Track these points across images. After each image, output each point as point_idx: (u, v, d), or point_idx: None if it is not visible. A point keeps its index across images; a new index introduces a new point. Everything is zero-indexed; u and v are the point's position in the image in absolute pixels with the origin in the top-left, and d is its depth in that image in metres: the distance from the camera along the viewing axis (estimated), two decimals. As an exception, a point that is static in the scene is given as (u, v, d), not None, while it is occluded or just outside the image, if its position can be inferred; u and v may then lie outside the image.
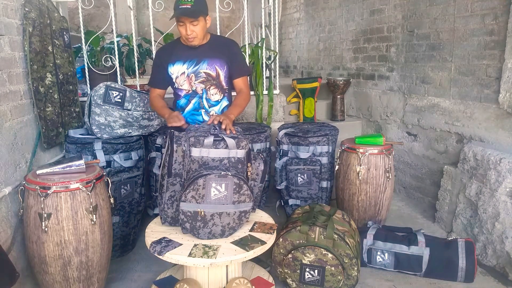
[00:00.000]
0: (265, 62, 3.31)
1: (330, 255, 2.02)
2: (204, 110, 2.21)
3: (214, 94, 2.21)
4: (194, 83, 2.18)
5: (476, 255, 2.26)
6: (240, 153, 1.79)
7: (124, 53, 3.25)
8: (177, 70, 2.17)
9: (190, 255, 1.66)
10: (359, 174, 2.56)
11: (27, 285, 2.03)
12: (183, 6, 2.00)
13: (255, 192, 1.94)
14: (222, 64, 2.18)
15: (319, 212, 2.20)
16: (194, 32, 2.06)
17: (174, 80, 2.19)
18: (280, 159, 2.79)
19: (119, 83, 2.90)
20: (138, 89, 3.02)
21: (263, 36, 3.35)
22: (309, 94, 3.79)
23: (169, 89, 2.29)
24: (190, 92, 2.20)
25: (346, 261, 2.04)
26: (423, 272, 2.24)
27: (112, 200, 2.04)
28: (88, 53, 3.00)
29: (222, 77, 2.19)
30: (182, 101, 2.22)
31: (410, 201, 3.33)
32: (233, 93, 2.32)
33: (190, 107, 2.21)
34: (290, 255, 2.07)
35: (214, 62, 2.17)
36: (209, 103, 2.20)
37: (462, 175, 2.58)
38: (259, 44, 3.28)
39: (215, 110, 2.22)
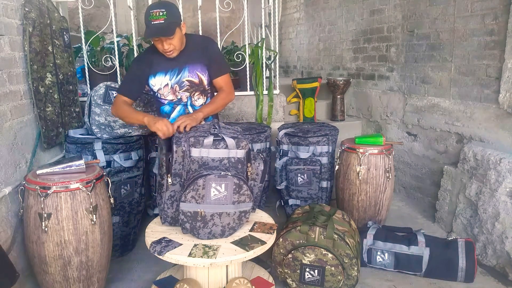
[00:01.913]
0: (265, 62, 3.31)
1: (330, 255, 2.02)
2: None
3: (198, 99, 2.18)
4: (179, 93, 2.14)
5: (476, 255, 2.26)
6: (240, 153, 1.78)
7: (124, 53, 3.25)
8: (159, 82, 2.10)
9: (190, 255, 1.66)
10: (359, 174, 2.56)
11: (27, 285, 2.03)
12: (156, 22, 1.87)
13: (255, 192, 1.93)
14: (203, 69, 2.12)
15: (319, 212, 2.20)
16: (172, 45, 1.97)
17: (156, 91, 2.13)
18: (280, 159, 2.79)
19: (119, 83, 2.90)
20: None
21: (263, 36, 3.35)
22: (309, 94, 3.79)
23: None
24: (174, 100, 2.16)
25: (346, 261, 2.04)
26: (423, 272, 2.24)
27: (112, 200, 2.04)
28: (88, 53, 2.99)
29: (205, 82, 2.15)
30: (167, 108, 2.18)
31: (410, 201, 3.33)
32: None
33: (175, 113, 2.18)
34: (290, 255, 2.07)
35: (195, 68, 2.11)
36: (194, 108, 2.18)
37: (462, 175, 2.58)
38: (259, 44, 3.28)
39: None
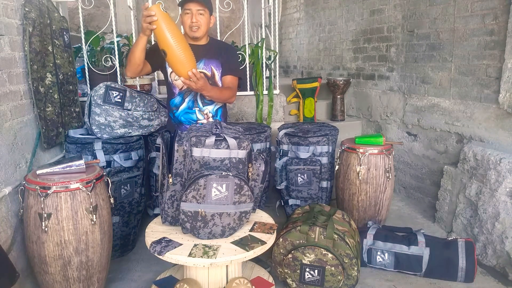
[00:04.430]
0: (265, 62, 3.31)
1: (330, 255, 2.02)
2: (198, 108, 2.22)
3: None
4: None
5: (476, 255, 2.26)
6: (241, 154, 1.78)
7: (124, 53, 3.25)
8: None
9: (190, 255, 1.66)
10: (359, 174, 2.56)
11: (27, 285, 2.03)
12: None
13: (255, 192, 1.93)
14: (218, 65, 2.21)
15: (319, 212, 2.20)
16: (199, 22, 2.10)
17: (169, 74, 2.20)
18: (280, 159, 2.79)
19: (119, 83, 2.90)
20: (138, 89, 3.02)
21: (263, 36, 3.35)
22: (309, 94, 3.79)
23: (164, 89, 2.27)
24: (183, 88, 2.21)
25: (346, 261, 2.04)
26: (423, 272, 2.24)
27: (112, 200, 2.04)
28: (88, 53, 2.99)
29: (217, 77, 2.21)
30: (177, 99, 2.22)
31: (410, 201, 3.33)
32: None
33: (184, 105, 2.22)
34: (290, 255, 2.07)
35: (210, 62, 2.19)
36: (203, 100, 2.21)
37: (462, 175, 2.58)
38: (259, 44, 3.28)
39: (209, 109, 2.23)
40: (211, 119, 2.23)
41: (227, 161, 1.77)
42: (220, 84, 2.22)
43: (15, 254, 1.92)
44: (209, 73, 2.19)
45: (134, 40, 3.05)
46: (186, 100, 2.21)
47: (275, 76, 3.37)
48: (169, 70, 2.18)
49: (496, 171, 2.28)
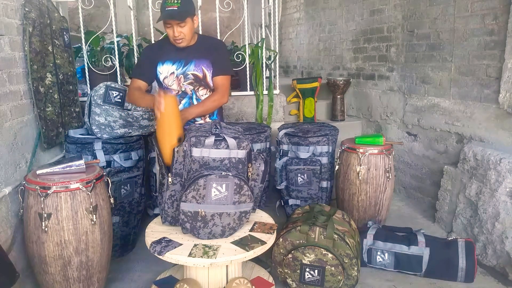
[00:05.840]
0: (265, 62, 3.31)
1: (330, 255, 2.02)
2: None
3: (204, 95, 2.21)
4: (183, 84, 2.19)
5: (476, 255, 2.26)
6: (241, 154, 1.78)
7: (124, 53, 3.25)
8: (166, 70, 2.17)
9: (190, 255, 1.66)
10: (359, 174, 2.56)
11: (27, 285, 2.03)
12: (170, 8, 1.99)
13: (255, 192, 1.93)
14: (209, 65, 2.18)
15: (319, 212, 2.20)
16: (182, 34, 2.06)
17: (162, 80, 2.19)
18: (280, 159, 2.79)
19: (119, 83, 2.90)
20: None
21: (263, 36, 3.35)
22: (309, 94, 3.79)
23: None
24: (179, 92, 2.20)
25: (346, 261, 2.04)
26: (423, 272, 2.24)
27: (112, 200, 2.04)
28: (88, 53, 2.99)
29: (208, 78, 2.19)
30: None
31: (410, 201, 3.33)
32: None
33: (180, 107, 2.20)
34: (290, 255, 2.07)
35: (201, 63, 2.17)
36: (199, 101, 2.21)
37: (462, 175, 2.58)
38: (259, 44, 3.28)
39: None
40: (208, 119, 2.23)
41: (226, 161, 1.77)
42: (212, 85, 2.21)
43: (15, 254, 1.92)
44: (200, 75, 2.17)
45: (134, 40, 3.06)
46: (182, 102, 2.20)
47: (275, 76, 3.37)
48: (161, 76, 2.17)
49: (496, 171, 2.28)
